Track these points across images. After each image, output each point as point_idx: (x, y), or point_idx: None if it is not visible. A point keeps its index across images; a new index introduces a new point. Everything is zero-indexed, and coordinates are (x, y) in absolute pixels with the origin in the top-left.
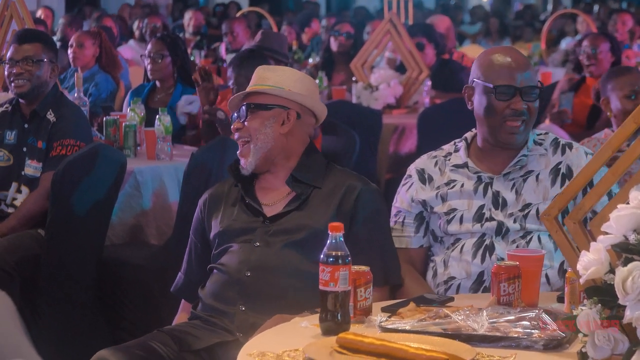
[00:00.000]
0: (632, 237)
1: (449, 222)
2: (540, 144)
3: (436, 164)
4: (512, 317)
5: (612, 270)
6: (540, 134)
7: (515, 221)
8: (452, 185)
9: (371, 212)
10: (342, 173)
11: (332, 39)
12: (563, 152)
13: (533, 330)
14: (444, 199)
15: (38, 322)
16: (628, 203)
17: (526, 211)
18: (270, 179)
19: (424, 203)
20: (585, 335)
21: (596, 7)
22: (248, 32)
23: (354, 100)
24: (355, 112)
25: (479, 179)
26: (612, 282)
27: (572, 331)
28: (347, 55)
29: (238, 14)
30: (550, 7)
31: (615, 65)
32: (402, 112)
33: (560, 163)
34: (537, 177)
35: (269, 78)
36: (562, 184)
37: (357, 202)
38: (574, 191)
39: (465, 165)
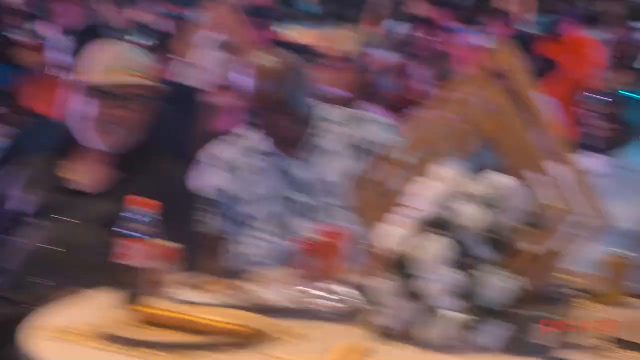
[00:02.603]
0: (432, 211)
1: (246, 204)
2: (327, 120)
3: (234, 149)
4: (314, 291)
5: (411, 243)
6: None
7: (313, 198)
8: (247, 168)
9: (180, 192)
10: (159, 156)
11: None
12: (356, 124)
13: (333, 302)
14: (240, 183)
15: None
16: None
17: (323, 188)
18: (90, 160)
19: (222, 189)
20: (381, 306)
21: None
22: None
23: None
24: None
25: (273, 161)
26: (410, 255)
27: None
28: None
29: None
30: None
31: None
32: None
33: (352, 136)
34: (329, 153)
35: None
36: (357, 157)
37: (167, 182)
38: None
39: (259, 148)
